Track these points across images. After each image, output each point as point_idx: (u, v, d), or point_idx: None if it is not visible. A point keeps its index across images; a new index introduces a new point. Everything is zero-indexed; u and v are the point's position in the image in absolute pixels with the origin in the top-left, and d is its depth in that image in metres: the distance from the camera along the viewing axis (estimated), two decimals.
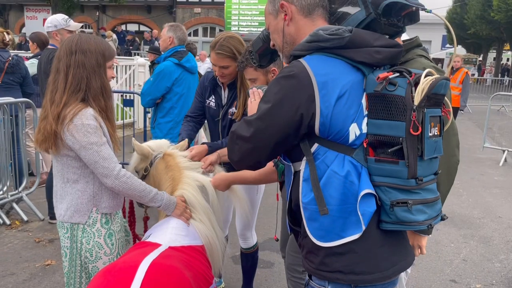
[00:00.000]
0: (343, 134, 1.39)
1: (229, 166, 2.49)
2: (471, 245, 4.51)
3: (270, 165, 2.23)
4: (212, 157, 2.53)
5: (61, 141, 1.96)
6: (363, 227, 1.40)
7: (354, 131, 1.39)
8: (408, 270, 1.56)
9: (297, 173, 1.49)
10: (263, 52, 1.95)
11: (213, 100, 2.92)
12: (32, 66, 5.18)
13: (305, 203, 1.44)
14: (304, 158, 1.44)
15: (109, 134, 2.06)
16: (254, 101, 1.72)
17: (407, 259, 1.52)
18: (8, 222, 4.45)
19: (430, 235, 2.24)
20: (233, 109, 2.85)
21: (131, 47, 16.26)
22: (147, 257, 1.68)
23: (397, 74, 1.37)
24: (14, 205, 4.68)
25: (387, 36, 1.51)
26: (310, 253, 1.49)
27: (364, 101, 1.42)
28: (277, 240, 2.57)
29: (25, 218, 4.54)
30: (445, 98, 1.43)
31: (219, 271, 2.78)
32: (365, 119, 1.42)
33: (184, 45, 4.20)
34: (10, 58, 4.91)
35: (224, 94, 2.89)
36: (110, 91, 2.08)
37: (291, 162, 1.52)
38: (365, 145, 1.41)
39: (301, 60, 1.44)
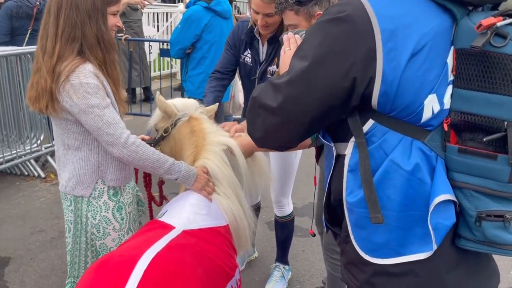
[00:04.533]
0: (414, 110, 0.97)
1: None
2: None
3: None
4: (238, 126, 2.16)
5: (57, 103, 1.65)
6: (435, 246, 1.00)
7: (431, 105, 0.98)
8: None
9: (340, 157, 1.10)
10: None
11: (249, 56, 2.52)
12: None
13: (351, 204, 1.06)
14: (353, 139, 1.04)
15: (113, 94, 1.73)
16: (288, 50, 1.29)
17: (489, 284, 1.12)
18: (43, 175, 4.38)
19: None
20: (273, 68, 2.43)
21: None
22: (151, 248, 1.37)
23: (510, 21, 0.91)
24: (49, 158, 4.60)
25: None
26: (353, 265, 1.12)
27: (450, 60, 0.98)
28: (314, 235, 2.19)
29: None
30: None
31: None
32: (450, 88, 0.98)
33: None
34: (38, 3, 4.64)
35: (263, 49, 2.47)
36: (112, 41, 1.73)
37: (332, 141, 1.13)
38: (445, 127, 0.99)
39: None
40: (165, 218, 1.68)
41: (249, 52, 2.51)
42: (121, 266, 1.29)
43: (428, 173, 1.00)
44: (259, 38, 2.46)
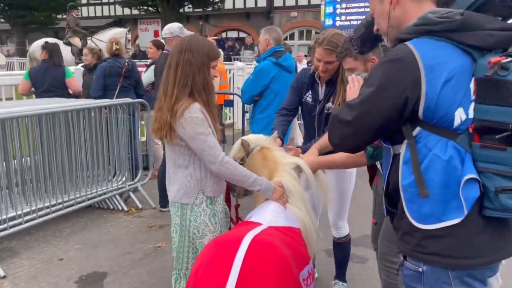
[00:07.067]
0: (448, 119, 1.39)
1: None
2: None
3: None
4: (313, 150, 2.64)
5: (174, 132, 2.22)
6: (465, 212, 1.39)
7: (459, 115, 1.38)
8: (500, 280, 1.53)
9: (396, 156, 1.52)
10: (365, 38, 1.96)
11: (310, 96, 3.06)
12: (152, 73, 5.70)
13: (405, 185, 1.46)
14: (405, 141, 1.46)
15: (212, 125, 2.29)
16: (353, 87, 1.80)
17: (508, 248, 1.48)
18: (126, 208, 5.02)
19: None
20: (329, 104, 2.96)
21: (231, 53, 17.06)
22: (250, 233, 1.86)
23: (510, 59, 1.34)
24: (131, 194, 5.26)
25: (500, 18, 1.46)
26: (407, 234, 1.51)
27: (472, 85, 1.39)
28: (376, 223, 2.59)
29: (140, 206, 5.09)
30: None
31: (313, 261, 2.90)
32: (472, 104, 1.39)
33: (281, 45, 4.38)
34: (126, 64, 5.52)
35: (321, 90, 3.01)
36: (212, 87, 2.31)
37: (390, 144, 1.55)
38: (470, 130, 1.38)
39: (407, 43, 1.43)
40: (252, 219, 2.17)
41: (310, 93, 3.05)
42: (231, 243, 1.78)
43: (459, 162, 1.36)
44: (318, 82, 3.00)
